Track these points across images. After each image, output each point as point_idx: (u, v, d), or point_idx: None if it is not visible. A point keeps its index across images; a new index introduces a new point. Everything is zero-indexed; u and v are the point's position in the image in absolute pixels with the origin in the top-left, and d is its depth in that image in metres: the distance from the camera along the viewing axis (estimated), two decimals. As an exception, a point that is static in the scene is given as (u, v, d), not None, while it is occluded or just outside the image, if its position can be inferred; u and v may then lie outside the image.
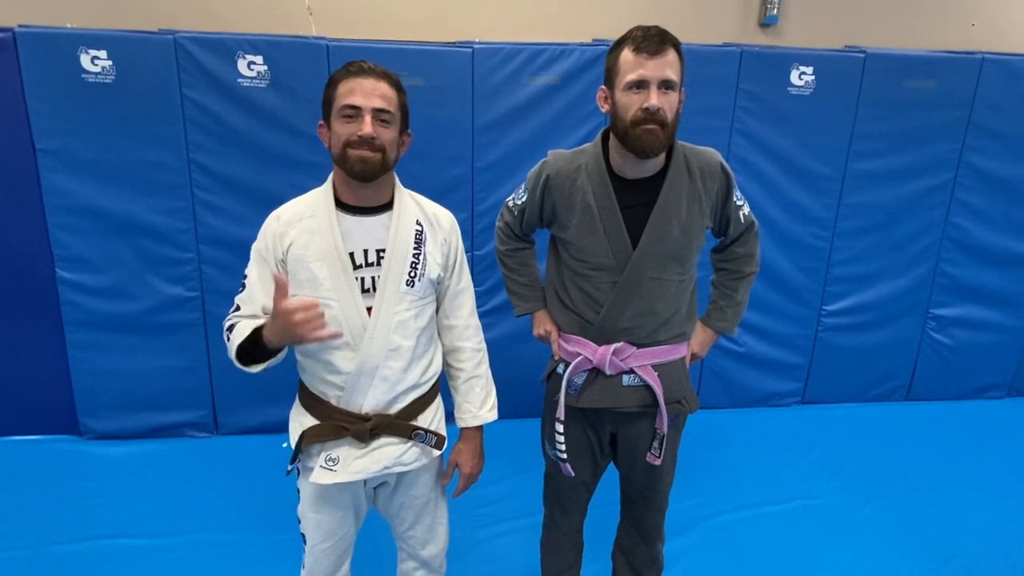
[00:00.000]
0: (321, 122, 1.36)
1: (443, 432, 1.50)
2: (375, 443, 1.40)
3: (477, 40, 2.72)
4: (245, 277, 1.40)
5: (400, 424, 1.41)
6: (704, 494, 2.59)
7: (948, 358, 3.35)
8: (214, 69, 2.54)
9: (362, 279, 1.34)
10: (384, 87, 1.29)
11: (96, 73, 2.48)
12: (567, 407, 1.58)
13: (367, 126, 1.26)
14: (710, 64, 2.79)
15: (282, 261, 1.35)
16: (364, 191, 1.35)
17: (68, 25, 2.51)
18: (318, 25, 2.79)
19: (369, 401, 1.38)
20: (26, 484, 2.57)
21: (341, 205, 1.36)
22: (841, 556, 2.30)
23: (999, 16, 3.24)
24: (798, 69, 2.86)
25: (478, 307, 1.48)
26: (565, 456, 1.60)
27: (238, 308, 1.39)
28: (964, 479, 2.76)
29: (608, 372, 1.53)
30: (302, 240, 1.34)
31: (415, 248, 1.37)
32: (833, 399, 3.36)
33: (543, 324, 1.67)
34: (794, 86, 2.88)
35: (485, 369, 1.56)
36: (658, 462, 1.60)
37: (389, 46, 2.64)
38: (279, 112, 2.62)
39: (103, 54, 2.47)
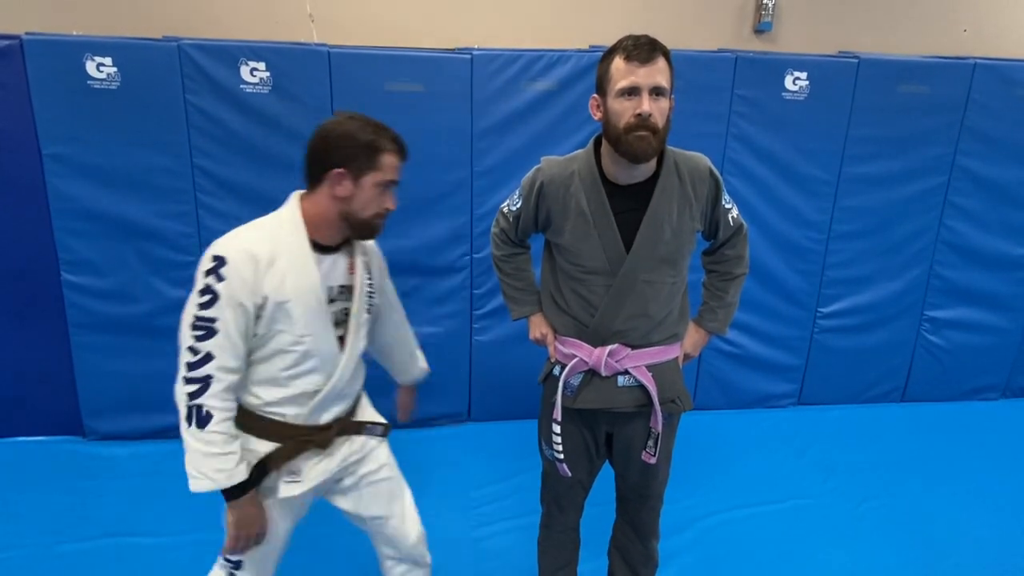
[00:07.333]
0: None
1: (383, 420, 1.64)
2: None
3: (476, 47, 2.75)
4: (212, 320, 1.27)
5: (352, 423, 1.56)
6: (700, 494, 2.61)
7: (943, 360, 3.38)
8: (217, 75, 2.58)
9: (334, 313, 1.44)
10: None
11: (101, 80, 2.52)
12: (563, 408, 1.62)
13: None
14: (706, 70, 2.83)
15: (260, 306, 1.32)
16: (338, 231, 1.42)
17: (74, 33, 2.55)
18: (319, 32, 2.83)
19: (330, 414, 1.49)
20: (31, 484, 2.60)
21: (314, 245, 1.40)
22: (835, 556, 2.33)
23: (991, 22, 3.28)
24: (792, 75, 2.89)
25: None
26: (562, 456, 1.63)
27: (209, 357, 1.27)
28: (959, 480, 2.78)
29: (604, 373, 1.56)
30: (275, 282, 1.32)
31: (368, 279, 1.51)
32: (829, 400, 3.38)
33: (539, 327, 1.70)
34: (788, 91, 2.91)
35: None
36: (653, 460, 1.63)
37: (389, 53, 2.68)
38: (281, 117, 2.65)
39: (108, 61, 2.50)
